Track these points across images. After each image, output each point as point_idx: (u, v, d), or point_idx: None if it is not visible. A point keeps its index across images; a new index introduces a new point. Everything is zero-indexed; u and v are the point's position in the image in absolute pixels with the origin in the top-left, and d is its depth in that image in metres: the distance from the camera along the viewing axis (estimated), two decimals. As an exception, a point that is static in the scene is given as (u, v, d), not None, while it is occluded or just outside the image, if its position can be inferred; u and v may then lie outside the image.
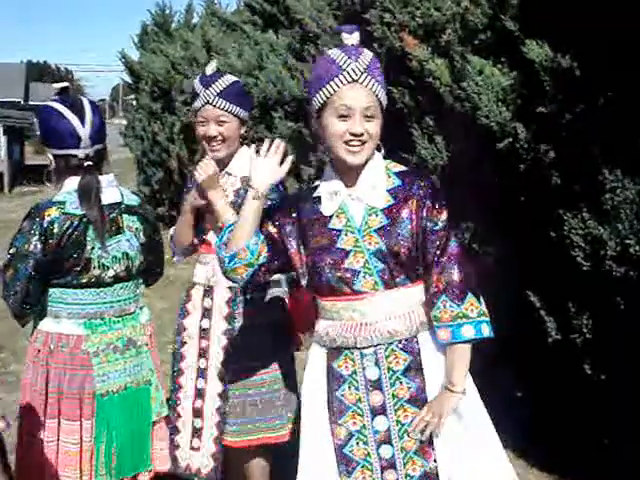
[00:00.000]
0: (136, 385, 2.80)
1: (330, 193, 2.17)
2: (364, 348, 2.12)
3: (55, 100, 2.72)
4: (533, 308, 3.53)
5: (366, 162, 2.13)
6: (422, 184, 2.12)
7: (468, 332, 2.08)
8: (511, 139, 3.42)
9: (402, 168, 2.20)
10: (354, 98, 2.04)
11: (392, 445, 2.13)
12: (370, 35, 4.40)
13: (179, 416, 2.99)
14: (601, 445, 3.37)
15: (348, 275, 2.11)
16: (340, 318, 2.15)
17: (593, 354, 3.31)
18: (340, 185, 2.16)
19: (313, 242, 2.16)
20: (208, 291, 2.94)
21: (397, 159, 2.25)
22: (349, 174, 2.15)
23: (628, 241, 2.95)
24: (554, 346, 3.49)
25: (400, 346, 2.13)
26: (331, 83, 2.06)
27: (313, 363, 2.26)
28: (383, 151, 2.18)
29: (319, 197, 2.19)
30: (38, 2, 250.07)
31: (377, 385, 2.13)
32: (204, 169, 2.77)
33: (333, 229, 2.14)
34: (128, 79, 13.10)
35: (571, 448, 3.49)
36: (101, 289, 2.72)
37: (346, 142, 2.06)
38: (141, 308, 2.89)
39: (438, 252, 2.09)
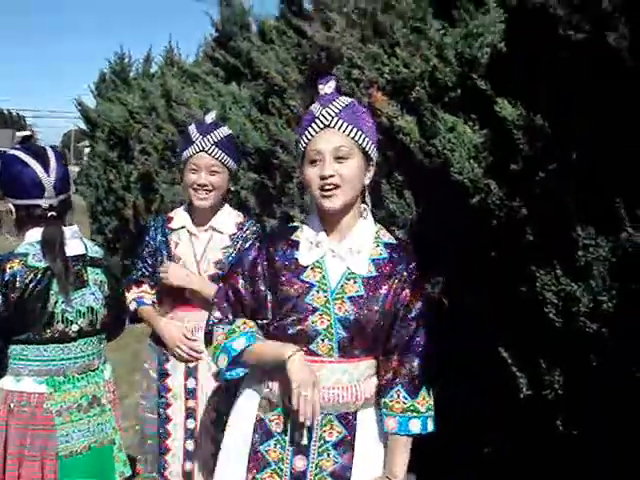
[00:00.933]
0: (100, 445, 2.70)
1: (311, 242, 2.10)
2: None
3: (18, 148, 2.66)
4: (504, 363, 3.52)
5: (353, 219, 2.10)
6: (408, 266, 2.07)
7: (415, 427, 2.05)
8: (483, 195, 3.45)
9: (392, 240, 2.15)
10: (324, 141, 2.02)
11: None
12: (337, 90, 4.44)
13: None
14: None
15: (308, 333, 2.04)
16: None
17: (565, 410, 3.30)
18: (323, 237, 2.10)
19: (282, 289, 2.09)
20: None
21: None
22: (335, 227, 2.11)
23: (601, 298, 2.97)
24: (526, 402, 3.48)
25: (338, 418, 2.07)
26: (305, 132, 2.08)
27: (242, 410, 2.17)
28: (368, 201, 2.15)
29: (298, 242, 2.13)
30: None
31: (304, 451, 2.06)
32: (171, 273, 2.86)
33: (305, 281, 2.07)
34: (83, 126, 13.01)
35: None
36: (65, 344, 2.62)
37: (320, 188, 2.02)
38: (104, 363, 2.79)
39: (405, 339, 2.05)
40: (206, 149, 2.83)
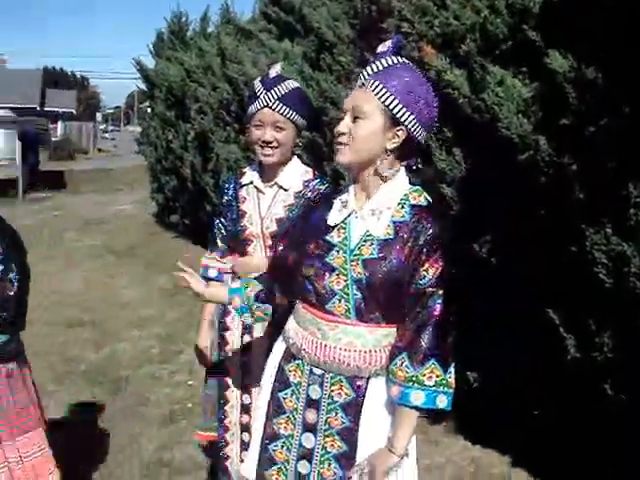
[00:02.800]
0: None
1: (341, 202, 2.11)
2: (315, 366, 2.09)
3: None
4: (552, 324, 3.44)
5: (386, 180, 2.05)
6: (427, 230, 1.98)
7: (417, 399, 1.96)
8: (532, 152, 3.35)
9: (421, 203, 2.04)
10: (349, 99, 2.07)
11: (311, 465, 2.11)
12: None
13: (227, 429, 2.99)
14: (621, 466, 3.28)
15: (325, 292, 2.04)
16: (305, 328, 2.10)
17: (615, 373, 3.22)
18: (351, 197, 2.09)
19: (307, 248, 2.10)
20: None
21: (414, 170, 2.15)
22: (362, 188, 2.07)
23: (653, 257, 2.87)
24: (573, 364, 3.40)
25: (349, 380, 2.06)
26: (349, 91, 2.11)
27: (273, 355, 2.27)
28: (401, 165, 2.09)
29: (333, 203, 2.14)
30: (54, 9, 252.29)
31: (315, 405, 2.10)
32: (239, 267, 2.87)
33: (329, 242, 2.07)
34: (143, 86, 13.13)
35: (589, 468, 3.41)
36: None
37: (336, 143, 2.08)
38: None
39: (415, 306, 1.97)
40: (270, 104, 2.70)
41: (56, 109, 44.01)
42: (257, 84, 2.79)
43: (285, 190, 2.81)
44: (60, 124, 42.93)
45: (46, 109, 41.57)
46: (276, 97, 2.70)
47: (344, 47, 5.37)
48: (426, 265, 1.97)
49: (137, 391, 5.09)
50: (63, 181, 22.89)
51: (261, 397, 2.26)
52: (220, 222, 2.98)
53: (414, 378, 1.96)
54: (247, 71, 6.60)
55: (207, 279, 3.04)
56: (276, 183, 2.82)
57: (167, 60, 11.14)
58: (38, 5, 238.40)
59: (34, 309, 7.27)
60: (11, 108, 35.06)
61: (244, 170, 3.00)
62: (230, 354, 2.96)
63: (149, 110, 13.61)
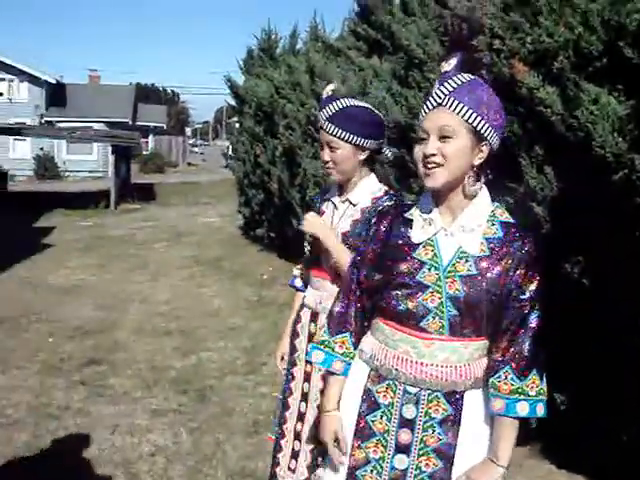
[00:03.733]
0: None
1: (424, 220, 2.10)
2: (410, 385, 2.08)
3: None
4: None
5: (471, 197, 2.05)
6: (524, 246, 2.01)
7: (523, 410, 2.00)
8: (627, 171, 3.27)
9: (509, 219, 2.08)
10: (431, 120, 2.00)
11: None
12: (477, 62, 4.32)
13: (283, 435, 3.05)
14: None
15: (419, 311, 2.04)
16: (395, 347, 2.10)
17: None
18: (436, 215, 2.09)
19: (393, 265, 2.10)
20: (314, 316, 2.94)
21: (503, 188, 2.16)
22: (447, 205, 2.07)
23: None
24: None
25: (445, 396, 2.06)
26: (421, 111, 2.05)
27: (354, 379, 2.22)
28: (482, 181, 2.09)
29: (411, 220, 2.13)
30: (148, 29, 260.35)
31: (410, 424, 2.09)
32: (310, 223, 2.85)
33: (417, 259, 2.07)
34: (232, 102, 13.42)
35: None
36: None
37: (424, 165, 2.01)
38: None
39: (517, 321, 2.00)
40: (322, 125, 2.78)
41: (147, 123, 45.41)
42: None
43: (354, 205, 2.84)
44: (151, 138, 44.29)
45: (138, 123, 42.93)
46: (325, 117, 2.76)
47: (433, 64, 5.36)
48: (526, 280, 2.00)
49: (222, 401, 5.19)
50: (153, 193, 23.57)
51: (344, 426, 2.22)
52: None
53: (520, 390, 2.00)
54: (336, 88, 6.66)
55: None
56: (347, 199, 2.86)
57: (256, 77, 11.37)
58: (131, 23, 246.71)
59: (124, 317, 7.57)
60: (105, 122, 36.46)
61: (330, 186, 3.06)
62: (296, 361, 3.02)
63: (237, 125, 13.90)
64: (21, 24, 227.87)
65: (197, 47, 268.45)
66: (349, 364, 2.23)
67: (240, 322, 7.42)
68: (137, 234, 14.39)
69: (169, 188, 25.85)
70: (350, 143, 2.76)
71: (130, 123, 40.50)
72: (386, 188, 2.88)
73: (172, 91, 74.44)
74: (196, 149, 64.81)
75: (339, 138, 2.75)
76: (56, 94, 39.50)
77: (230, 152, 13.97)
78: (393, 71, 6.19)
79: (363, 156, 2.82)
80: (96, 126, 31.11)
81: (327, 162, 2.81)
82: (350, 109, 2.77)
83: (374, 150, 2.83)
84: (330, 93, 2.88)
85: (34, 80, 38.01)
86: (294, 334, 3.06)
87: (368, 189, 2.85)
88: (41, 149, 36.39)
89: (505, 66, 4.14)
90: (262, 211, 11.22)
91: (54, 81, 39.73)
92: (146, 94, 61.23)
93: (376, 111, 2.89)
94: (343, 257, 2.70)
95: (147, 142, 42.90)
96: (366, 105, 2.87)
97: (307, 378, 2.96)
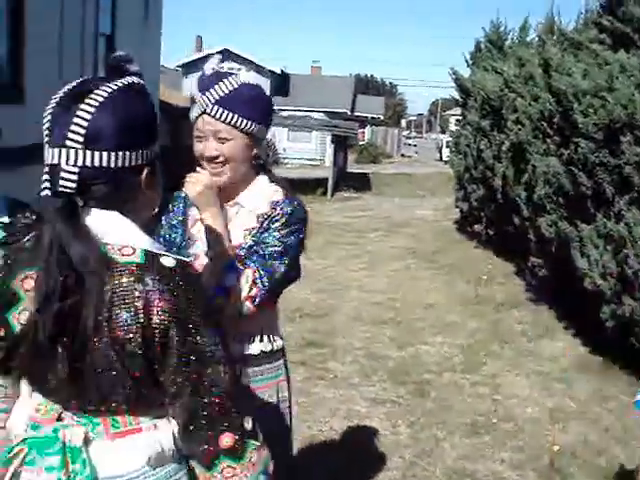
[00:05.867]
0: None
1: None
2: None
3: None
4: None
5: None
6: None
7: None
8: None
9: None
10: None
11: None
12: None
13: None
14: None
15: None
16: None
17: None
18: None
19: None
20: None
21: None
22: None
23: None
24: None
25: None
26: None
27: None
28: None
29: None
30: (369, 20, 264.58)
31: None
32: (196, 180, 2.16)
33: None
34: (454, 95, 13.26)
35: None
36: None
37: None
38: None
39: None
40: (205, 110, 2.16)
41: (365, 114, 46.14)
42: (193, 87, 2.25)
43: (248, 211, 2.30)
44: (367, 129, 44.99)
45: (356, 114, 43.75)
46: (212, 100, 2.17)
47: (694, 59, 4.94)
48: None
49: (440, 397, 5.13)
50: (368, 183, 23.94)
51: None
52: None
53: None
54: (577, 83, 6.33)
55: None
56: (237, 203, 2.30)
57: (484, 69, 11.12)
58: (351, 15, 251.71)
59: (342, 303, 7.73)
60: (324, 112, 37.49)
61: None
62: None
63: (452, 119, 13.74)
64: (252, 17, 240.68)
65: (415, 40, 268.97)
66: None
67: (456, 318, 7.31)
68: (353, 222, 14.65)
69: (384, 179, 26.13)
70: (246, 133, 2.18)
71: (348, 113, 41.36)
72: (283, 190, 2.31)
73: (390, 83, 75.10)
74: (410, 141, 65.04)
75: (233, 126, 2.16)
76: (280, 84, 41.21)
77: (445, 145, 13.83)
78: (643, 66, 5.79)
79: (256, 150, 2.25)
80: (316, 115, 32.03)
81: (215, 158, 2.18)
82: (245, 88, 2.21)
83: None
84: (214, 69, 2.25)
85: (260, 70, 39.88)
86: None
87: (263, 191, 2.30)
88: (264, 136, 38.08)
89: None
90: (481, 207, 10.99)
91: (279, 71, 41.47)
92: (365, 86, 62.22)
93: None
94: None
95: (364, 133, 43.60)
96: (258, 83, 2.30)
97: None
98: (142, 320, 1.35)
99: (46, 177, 1.38)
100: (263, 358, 2.29)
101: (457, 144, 12.63)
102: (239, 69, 39.91)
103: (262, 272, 2.14)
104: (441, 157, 38.19)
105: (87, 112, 1.36)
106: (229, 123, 2.15)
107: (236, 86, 2.18)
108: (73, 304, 1.34)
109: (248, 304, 2.11)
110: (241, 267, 2.12)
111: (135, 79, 1.46)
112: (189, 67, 38.43)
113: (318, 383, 5.29)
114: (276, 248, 2.19)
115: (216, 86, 2.16)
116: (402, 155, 46.40)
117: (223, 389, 1.42)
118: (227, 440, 1.42)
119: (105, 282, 1.35)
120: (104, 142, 1.38)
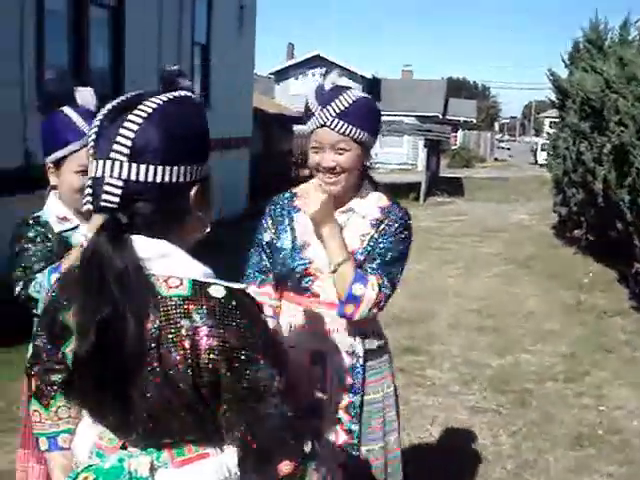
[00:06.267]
0: None
1: None
2: None
3: None
4: None
5: None
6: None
7: None
8: None
9: None
10: None
11: None
12: None
13: None
14: None
15: None
16: None
17: None
18: None
19: None
20: None
21: None
22: None
23: None
24: None
25: None
26: None
27: None
28: None
29: None
30: (460, 21, 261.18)
31: None
32: (315, 198, 2.25)
33: None
34: (550, 96, 12.94)
35: None
36: None
37: None
38: None
39: None
40: (324, 122, 2.27)
41: (457, 118, 45.61)
42: (311, 99, 2.36)
43: (362, 217, 2.42)
44: (460, 132, 44.47)
45: (448, 117, 43.32)
46: (334, 113, 2.28)
47: None
48: None
49: (542, 407, 5.00)
50: (461, 188, 23.65)
51: None
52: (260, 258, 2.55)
53: None
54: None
55: None
56: (351, 208, 2.40)
57: (583, 70, 10.82)
58: (442, 18, 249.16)
59: (438, 309, 7.65)
60: (416, 116, 37.28)
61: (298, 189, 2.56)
62: None
63: (547, 121, 13.43)
64: (343, 24, 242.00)
65: (506, 42, 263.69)
66: None
67: (557, 326, 7.12)
68: (446, 227, 14.49)
69: (477, 183, 25.77)
70: (360, 143, 2.30)
71: (440, 117, 40.99)
72: (386, 195, 2.44)
73: (483, 85, 73.97)
74: (503, 144, 63.93)
75: (351, 138, 2.27)
76: (371, 89, 41.20)
77: (540, 149, 13.51)
78: None
79: (367, 160, 2.39)
80: (407, 120, 31.90)
81: (333, 168, 2.29)
82: (361, 101, 2.31)
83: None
84: (334, 83, 2.36)
85: (352, 75, 39.96)
86: None
87: (370, 197, 2.41)
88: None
89: None
90: (581, 211, 10.67)
91: (370, 76, 41.47)
92: (458, 88, 61.51)
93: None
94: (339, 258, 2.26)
95: (456, 137, 43.11)
96: (371, 96, 2.39)
97: None
98: (190, 361, 1.30)
99: (89, 191, 1.34)
100: (377, 352, 2.45)
101: (555, 147, 12.33)
102: (327, 71, 40.05)
103: (384, 278, 2.26)
104: (536, 161, 37.35)
105: (134, 123, 1.32)
106: (348, 135, 2.26)
107: (355, 99, 2.28)
108: (112, 340, 1.29)
109: (375, 309, 2.25)
110: (363, 273, 2.25)
111: (187, 93, 1.42)
112: (281, 74, 38.99)
113: (417, 390, 5.25)
114: (394, 254, 2.31)
115: (337, 100, 2.27)
116: (495, 159, 45.58)
117: (278, 422, 1.37)
118: (287, 467, 1.39)
119: (147, 316, 1.29)
120: (150, 155, 1.32)
